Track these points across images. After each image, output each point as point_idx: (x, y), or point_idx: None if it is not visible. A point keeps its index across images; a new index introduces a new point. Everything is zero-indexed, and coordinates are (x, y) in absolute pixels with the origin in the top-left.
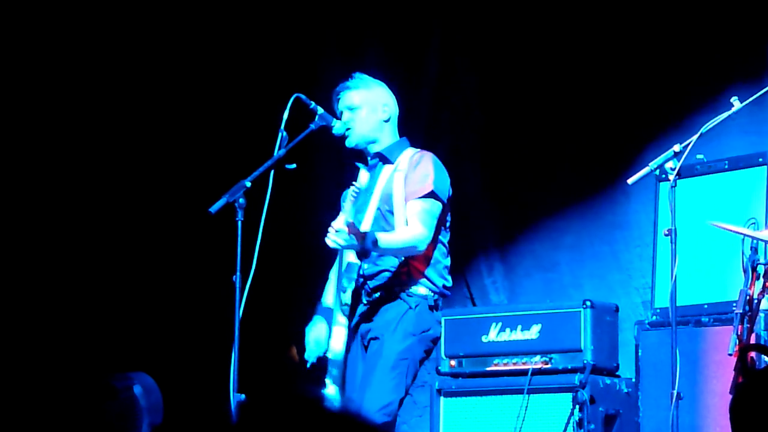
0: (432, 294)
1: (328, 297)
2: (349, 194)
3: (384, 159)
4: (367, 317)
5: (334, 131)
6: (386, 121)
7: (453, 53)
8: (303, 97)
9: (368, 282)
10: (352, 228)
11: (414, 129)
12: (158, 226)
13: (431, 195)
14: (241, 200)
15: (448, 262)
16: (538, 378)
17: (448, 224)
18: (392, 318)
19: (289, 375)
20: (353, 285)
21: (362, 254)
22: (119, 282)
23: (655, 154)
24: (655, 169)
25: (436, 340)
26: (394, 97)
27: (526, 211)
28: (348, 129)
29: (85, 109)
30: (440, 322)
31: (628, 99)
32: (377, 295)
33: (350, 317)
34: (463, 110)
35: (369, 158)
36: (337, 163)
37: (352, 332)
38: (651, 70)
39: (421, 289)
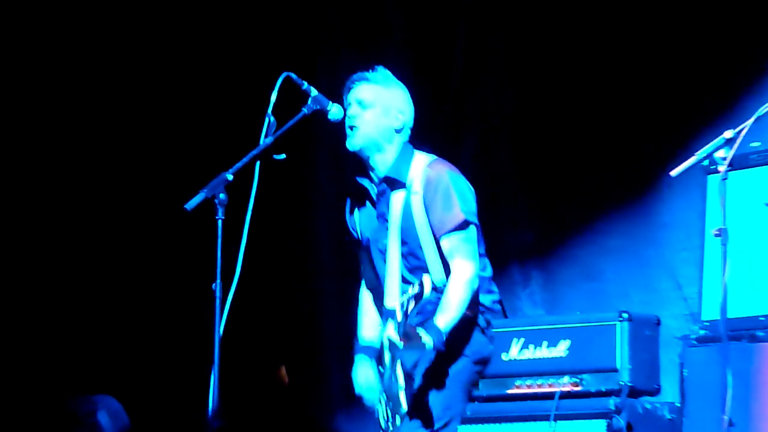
0: (482, 316)
1: (367, 330)
2: (402, 302)
3: (392, 183)
4: (412, 354)
5: (330, 116)
6: (398, 131)
7: (482, 37)
8: (294, 76)
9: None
10: (412, 335)
11: (440, 121)
12: (125, 225)
13: (464, 224)
14: (221, 196)
15: (489, 272)
16: (567, 402)
17: (480, 233)
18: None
19: (278, 400)
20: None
21: (437, 355)
22: (80, 291)
23: (704, 141)
24: (704, 158)
25: (488, 360)
26: (412, 105)
27: (566, 211)
28: (352, 127)
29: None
30: (492, 339)
31: (671, 81)
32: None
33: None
34: (495, 99)
35: (374, 177)
36: (337, 154)
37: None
38: (698, 45)
39: (468, 314)
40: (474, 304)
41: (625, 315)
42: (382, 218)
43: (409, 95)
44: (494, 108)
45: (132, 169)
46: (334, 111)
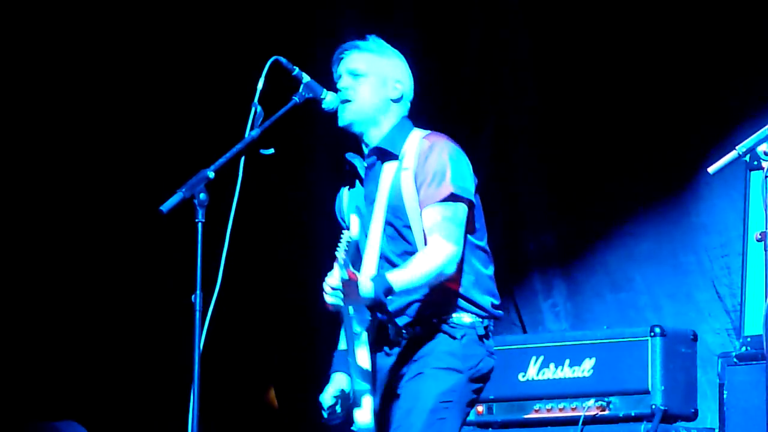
0: (480, 320)
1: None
2: (341, 245)
3: (384, 154)
4: (399, 358)
5: (323, 105)
6: (396, 101)
7: (501, 26)
8: (283, 60)
9: (394, 319)
10: (350, 283)
11: (454, 114)
12: (93, 230)
13: (451, 197)
14: (202, 196)
15: (491, 271)
16: (593, 428)
17: (480, 224)
18: (432, 352)
19: (266, 426)
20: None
21: (376, 308)
22: (43, 303)
23: (745, 135)
24: (744, 153)
25: (487, 378)
26: (411, 75)
27: (592, 213)
28: (345, 101)
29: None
30: (492, 353)
31: (707, 70)
32: (411, 332)
33: (373, 376)
34: (515, 90)
35: (365, 151)
36: (335, 147)
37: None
38: (735, 33)
39: (465, 317)
40: (466, 302)
41: (658, 329)
42: (369, 198)
43: (406, 64)
44: (513, 100)
45: (100, 167)
46: (328, 99)
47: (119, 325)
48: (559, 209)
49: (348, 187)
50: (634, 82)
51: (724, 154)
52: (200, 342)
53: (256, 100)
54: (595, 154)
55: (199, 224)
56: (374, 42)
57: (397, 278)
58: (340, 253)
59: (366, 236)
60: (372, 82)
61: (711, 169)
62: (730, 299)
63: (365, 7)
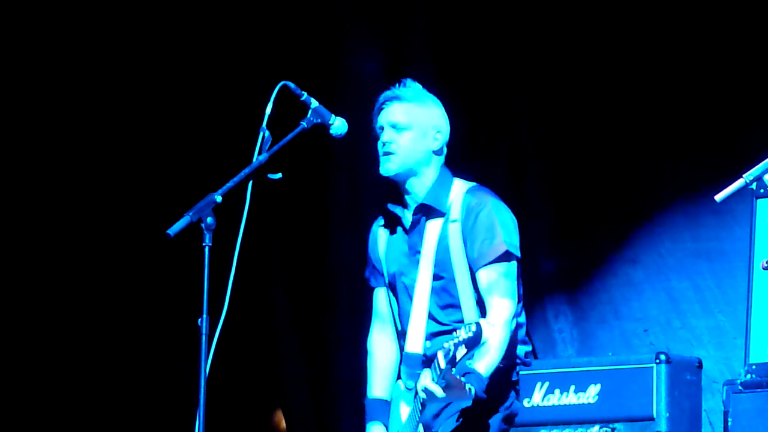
0: (513, 368)
1: (377, 388)
2: (443, 358)
3: (430, 212)
4: (433, 409)
5: (331, 131)
6: (437, 152)
7: (512, 55)
8: (292, 85)
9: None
10: (454, 384)
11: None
12: (101, 253)
13: (505, 255)
14: (209, 220)
15: (524, 319)
16: None
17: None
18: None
19: None
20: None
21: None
22: (48, 325)
23: (752, 162)
24: (751, 182)
25: (513, 420)
26: (448, 122)
27: (596, 241)
28: (386, 153)
29: None
30: (519, 396)
31: (714, 97)
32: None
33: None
34: (524, 121)
35: (409, 203)
36: (354, 174)
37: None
38: (739, 58)
39: (502, 365)
40: (509, 353)
41: (663, 357)
42: (414, 249)
43: (443, 110)
44: (523, 132)
45: (108, 189)
46: (336, 125)
47: (126, 349)
48: (564, 236)
49: (386, 236)
50: (632, 113)
51: (731, 183)
52: (206, 366)
53: (264, 124)
54: (602, 181)
55: (206, 248)
56: (412, 89)
57: (487, 365)
58: (442, 358)
59: (411, 290)
60: (414, 135)
61: (718, 197)
62: (731, 327)
63: (379, 35)
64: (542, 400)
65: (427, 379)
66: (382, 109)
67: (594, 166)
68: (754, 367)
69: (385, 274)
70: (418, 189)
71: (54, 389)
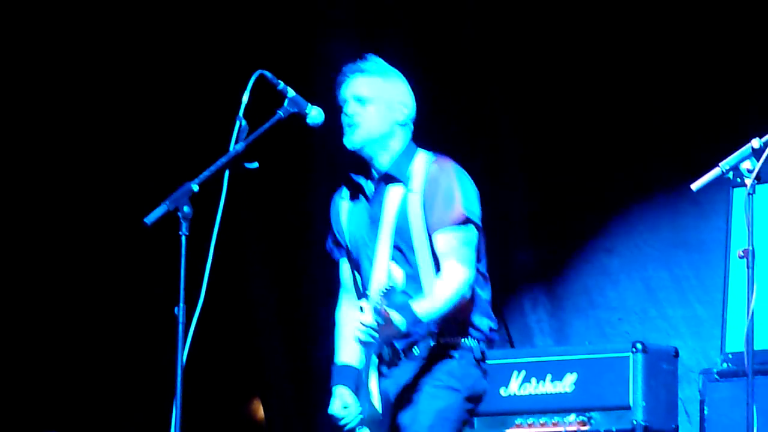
0: (477, 343)
1: (346, 354)
2: (380, 289)
3: (390, 180)
4: (396, 379)
5: (308, 120)
6: (402, 124)
7: (490, 43)
8: (268, 74)
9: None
10: (386, 320)
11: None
12: (77, 241)
13: (464, 221)
14: (186, 209)
15: (488, 295)
16: None
17: (482, 249)
18: (430, 372)
19: None
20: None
21: (405, 337)
22: (24, 315)
23: (729, 151)
24: (728, 170)
25: (480, 399)
26: (413, 96)
27: (574, 229)
28: (350, 125)
29: None
30: (486, 373)
31: (691, 84)
32: (409, 354)
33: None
34: (503, 111)
35: (373, 173)
36: (328, 161)
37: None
38: (720, 47)
39: (464, 340)
40: (468, 326)
41: (640, 346)
42: (374, 220)
43: (408, 85)
44: (502, 123)
45: (84, 178)
46: (313, 114)
47: (102, 338)
48: (542, 226)
49: (349, 206)
50: (610, 101)
51: (707, 172)
52: (183, 354)
53: (240, 113)
54: (578, 172)
55: (183, 237)
56: (376, 63)
57: (425, 310)
58: (379, 298)
59: (371, 259)
60: (379, 108)
61: (694, 186)
62: (708, 316)
63: (358, 23)
64: (519, 389)
65: (365, 315)
66: (344, 81)
67: (572, 156)
68: (730, 356)
69: (348, 245)
70: (383, 160)
71: (30, 378)
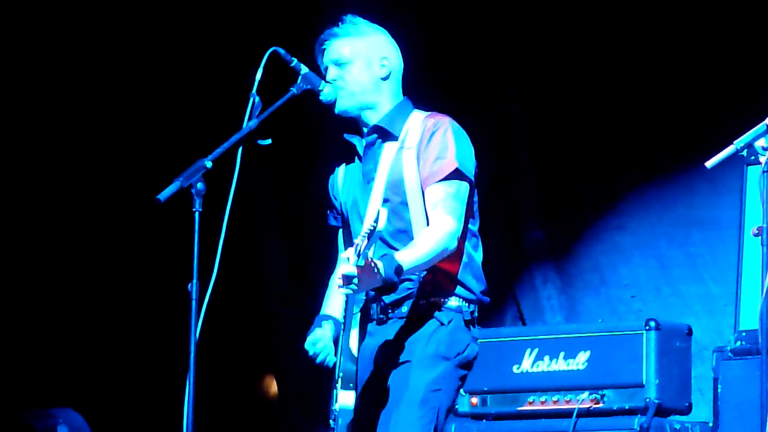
0: (467, 304)
1: (331, 306)
2: (363, 233)
3: (384, 134)
4: (383, 339)
5: (321, 97)
6: (385, 78)
7: (499, 20)
8: (282, 51)
9: (383, 296)
10: (366, 268)
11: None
12: (91, 218)
13: (455, 174)
14: (199, 185)
15: (481, 257)
16: (587, 421)
17: (476, 209)
18: (419, 338)
19: (263, 414)
20: (361, 303)
21: (387, 289)
22: (40, 291)
23: (743, 129)
24: (742, 148)
25: (472, 364)
26: (396, 47)
27: (585, 206)
28: (334, 90)
29: None
30: (477, 340)
31: (704, 60)
32: (397, 312)
33: (360, 339)
34: (513, 89)
35: (365, 130)
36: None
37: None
38: (736, 24)
39: (453, 301)
40: (457, 284)
41: (653, 323)
42: (368, 177)
43: (389, 36)
44: (511, 98)
45: (99, 155)
46: (326, 91)
47: (116, 314)
48: (552, 203)
49: (344, 169)
50: (622, 78)
51: (722, 149)
52: (196, 330)
53: (254, 90)
54: (589, 148)
55: (196, 213)
56: (351, 24)
57: (406, 257)
58: (362, 241)
59: (362, 214)
60: (358, 67)
61: (709, 164)
62: (722, 293)
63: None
64: (531, 367)
65: (343, 267)
66: (323, 50)
67: (586, 134)
68: (743, 333)
69: (343, 209)
70: (372, 117)
71: (44, 356)
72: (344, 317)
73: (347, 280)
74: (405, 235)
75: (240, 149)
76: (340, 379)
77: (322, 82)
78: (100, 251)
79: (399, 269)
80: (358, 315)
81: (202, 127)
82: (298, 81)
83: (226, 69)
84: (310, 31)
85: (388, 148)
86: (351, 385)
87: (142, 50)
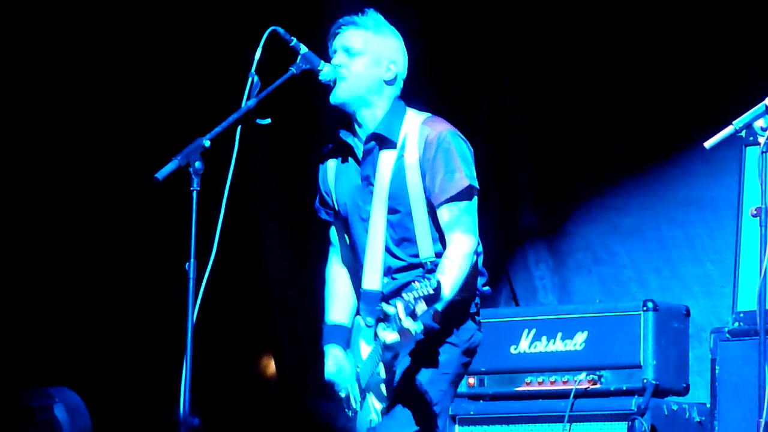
0: (472, 299)
1: (336, 313)
2: (411, 295)
3: (382, 142)
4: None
5: (320, 77)
6: (388, 81)
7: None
8: (281, 31)
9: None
10: (406, 333)
11: (445, 93)
12: (89, 197)
13: (467, 190)
14: (197, 164)
15: (480, 248)
16: (584, 402)
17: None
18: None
19: (261, 394)
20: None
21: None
22: (36, 271)
23: (742, 109)
24: (741, 129)
25: (475, 352)
26: (406, 55)
27: (579, 187)
28: (336, 79)
29: None
30: (480, 327)
31: (703, 40)
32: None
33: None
34: (506, 71)
35: (358, 130)
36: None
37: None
38: (734, 5)
39: (460, 297)
40: (470, 285)
41: (651, 304)
42: (367, 181)
43: (402, 43)
44: (500, 67)
45: (97, 134)
46: (325, 71)
47: (113, 293)
48: (545, 183)
49: (338, 167)
50: (618, 58)
51: (720, 129)
52: (194, 310)
53: (253, 70)
54: (582, 127)
55: (194, 192)
56: (372, 18)
57: (447, 286)
58: (402, 312)
59: (367, 223)
60: (366, 61)
61: (707, 144)
62: (719, 275)
63: None
64: (529, 347)
65: (388, 334)
66: (338, 33)
67: (583, 114)
68: (741, 315)
69: (336, 205)
70: (369, 119)
71: (41, 335)
72: (373, 353)
73: (387, 347)
74: (408, 242)
75: (239, 128)
76: (367, 385)
77: (322, 62)
78: (97, 230)
79: (436, 314)
80: (374, 327)
81: (200, 106)
82: (297, 60)
83: (224, 48)
84: (310, 20)
85: (386, 156)
86: (375, 387)
87: (140, 29)
